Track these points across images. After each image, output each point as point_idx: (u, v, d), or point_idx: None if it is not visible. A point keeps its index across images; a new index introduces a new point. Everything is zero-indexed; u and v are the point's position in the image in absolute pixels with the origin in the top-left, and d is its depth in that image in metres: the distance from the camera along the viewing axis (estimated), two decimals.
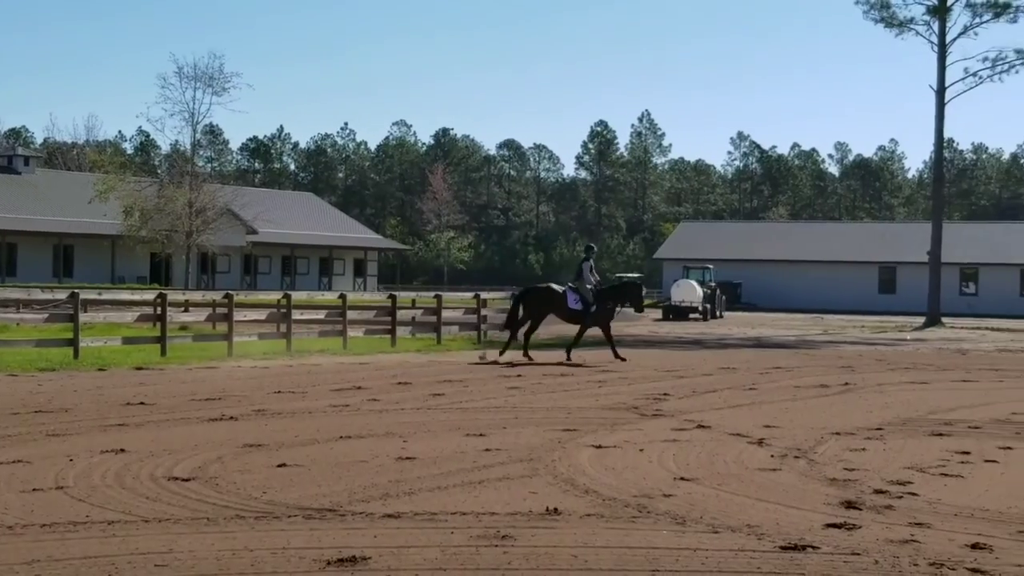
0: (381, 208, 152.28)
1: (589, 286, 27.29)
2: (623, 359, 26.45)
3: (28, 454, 11.94)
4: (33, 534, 8.28)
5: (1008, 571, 7.68)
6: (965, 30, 61.35)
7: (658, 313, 66.53)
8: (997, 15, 60.48)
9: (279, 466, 11.44)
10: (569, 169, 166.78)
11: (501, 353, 26.95)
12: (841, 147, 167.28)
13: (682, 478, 11.15)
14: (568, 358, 26.46)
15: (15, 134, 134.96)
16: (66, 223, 74.49)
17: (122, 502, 9.51)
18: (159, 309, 28.14)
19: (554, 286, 28.45)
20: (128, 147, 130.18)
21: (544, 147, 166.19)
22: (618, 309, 28.46)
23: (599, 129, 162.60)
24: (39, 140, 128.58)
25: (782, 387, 21.98)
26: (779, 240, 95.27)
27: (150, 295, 30.31)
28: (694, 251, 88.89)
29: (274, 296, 34.66)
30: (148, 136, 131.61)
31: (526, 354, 26.76)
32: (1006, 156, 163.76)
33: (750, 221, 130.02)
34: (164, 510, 9.24)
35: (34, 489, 10.00)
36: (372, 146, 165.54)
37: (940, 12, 60.62)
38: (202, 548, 7.96)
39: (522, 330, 27.72)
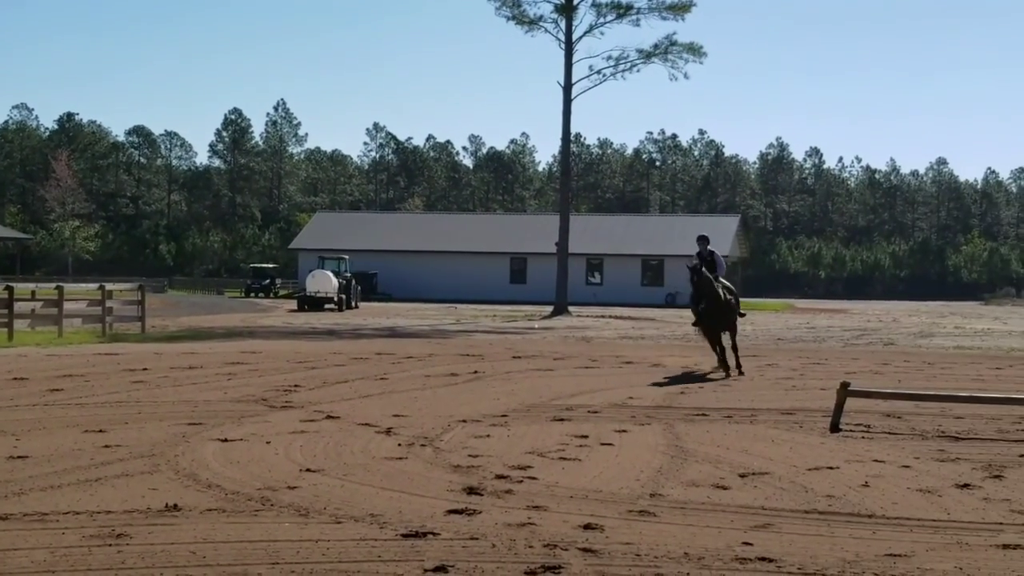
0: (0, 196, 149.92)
1: None
2: None
3: None
4: None
5: (616, 548, 8.11)
6: (591, 29, 65.47)
7: (293, 304, 69.68)
8: (620, 16, 64.79)
9: None
10: (203, 157, 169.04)
11: None
12: (475, 140, 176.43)
13: (308, 469, 11.36)
14: None
15: None
16: None
17: None
18: None
19: None
20: None
21: (176, 134, 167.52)
22: None
23: (233, 117, 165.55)
24: None
25: (413, 376, 22.64)
26: (414, 231, 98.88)
27: None
28: (330, 241, 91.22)
29: None
30: None
31: None
32: (629, 151, 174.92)
33: (386, 212, 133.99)
34: None
35: None
36: None
37: (567, 11, 64.53)
38: None
39: None
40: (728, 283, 24.82)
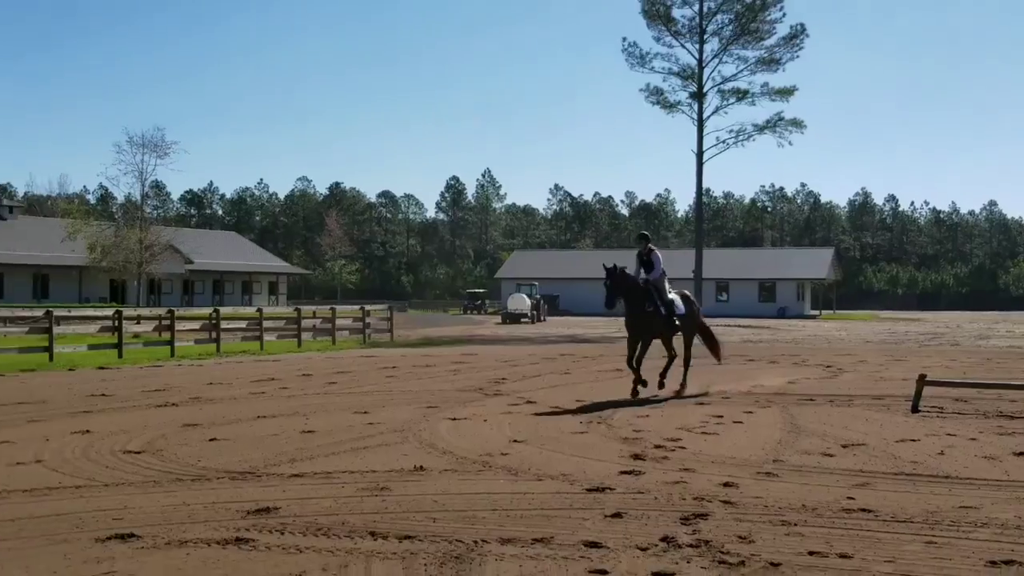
0: (289, 242, 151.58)
1: None
2: None
3: (12, 436, 11.73)
4: (15, 499, 8.18)
5: (749, 501, 7.98)
6: (716, 110, 65.09)
7: (498, 318, 69.52)
8: (739, 100, 64.41)
9: (210, 440, 11.37)
10: (431, 212, 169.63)
11: None
12: (630, 194, 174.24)
13: (515, 440, 11.36)
14: None
15: (0, 189, 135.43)
16: (42, 257, 73.32)
17: (87, 471, 9.40)
18: (116, 322, 27.90)
19: None
20: (91, 198, 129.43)
21: (412, 196, 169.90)
22: None
23: (452, 182, 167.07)
24: (20, 193, 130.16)
25: (589, 371, 22.41)
26: (586, 263, 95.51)
27: (109, 312, 29.80)
28: (524, 272, 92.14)
29: (206, 311, 34.23)
30: (107, 190, 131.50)
31: None
32: (747, 200, 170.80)
33: (564, 250, 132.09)
34: (120, 476, 9.16)
35: (17, 463, 9.88)
36: (281, 195, 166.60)
37: (698, 97, 64.21)
38: (149, 503, 7.90)
39: None
40: (684, 292, 17.86)
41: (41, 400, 16.00)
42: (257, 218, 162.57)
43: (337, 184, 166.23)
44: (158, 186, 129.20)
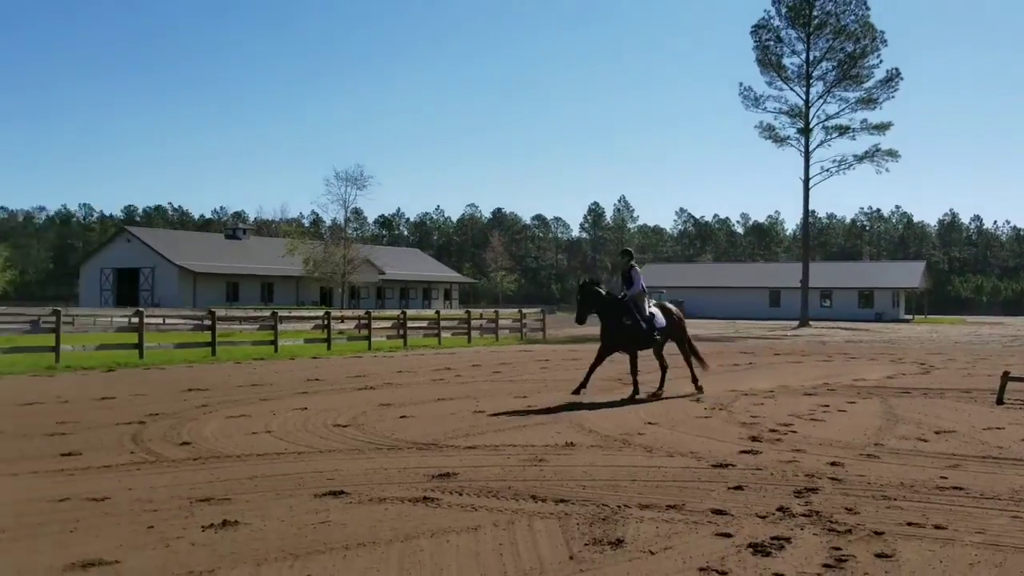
0: (460, 257, 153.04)
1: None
2: None
3: (248, 411, 12.18)
4: (251, 461, 8.49)
5: (853, 478, 7.72)
6: (821, 143, 63.36)
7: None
8: (841, 134, 62.69)
9: (401, 417, 11.59)
10: (576, 231, 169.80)
11: None
12: (744, 215, 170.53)
13: (649, 423, 11.24)
14: None
15: (237, 215, 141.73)
16: (268, 269, 76.69)
17: (305, 440, 9.70)
18: (326, 322, 28.95)
19: None
20: (306, 222, 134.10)
21: (560, 218, 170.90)
22: None
23: (593, 207, 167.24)
24: (252, 218, 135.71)
25: (710, 365, 21.70)
26: (706, 274, 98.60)
27: (320, 313, 30.95)
28: (654, 282, 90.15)
29: (395, 313, 35.00)
30: (317, 215, 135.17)
31: None
32: (847, 220, 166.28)
33: (688, 263, 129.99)
34: (331, 445, 9.41)
35: (252, 432, 10.25)
36: (454, 219, 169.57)
37: (805, 133, 62.61)
38: (355, 467, 8.10)
39: None
40: (664, 304, 15.97)
41: (269, 383, 16.59)
42: (435, 237, 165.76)
43: (499, 209, 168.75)
44: (357, 212, 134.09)
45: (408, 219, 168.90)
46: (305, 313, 35.63)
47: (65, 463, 8.37)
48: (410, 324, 32.39)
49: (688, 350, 15.73)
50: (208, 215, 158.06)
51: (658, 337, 15.11)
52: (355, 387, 15.88)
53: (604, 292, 14.83)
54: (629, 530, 5.97)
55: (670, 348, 15.90)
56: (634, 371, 14.76)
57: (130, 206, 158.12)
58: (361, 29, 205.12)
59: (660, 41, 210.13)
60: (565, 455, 8.84)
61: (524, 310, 40.99)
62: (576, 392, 14.15)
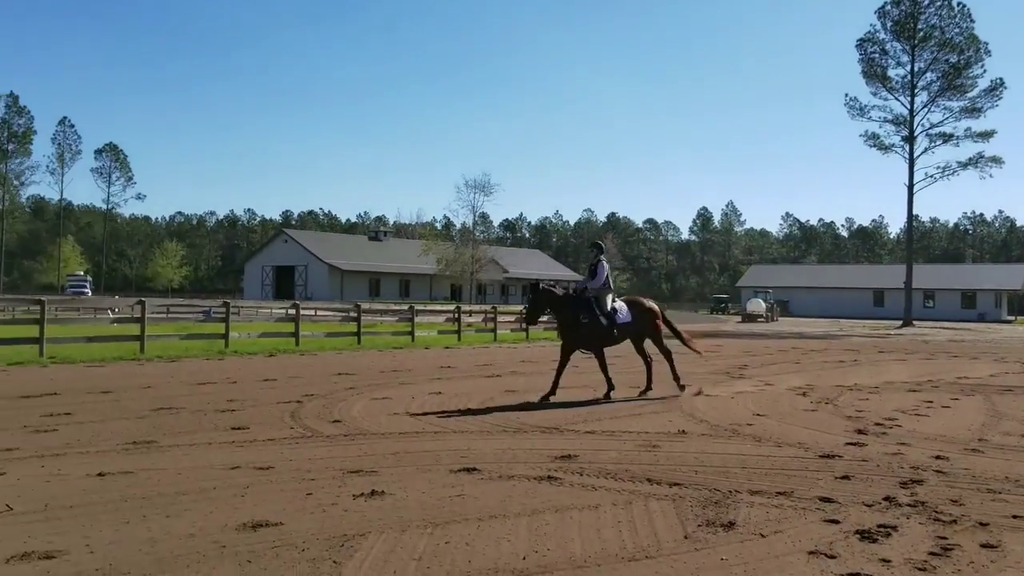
0: (577, 258, 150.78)
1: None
2: None
3: (389, 394, 12.42)
4: (394, 438, 8.66)
5: (958, 471, 7.38)
6: (925, 151, 60.67)
7: (739, 318, 66.74)
8: (945, 142, 59.88)
9: (526, 403, 11.67)
10: (685, 234, 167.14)
11: None
12: (849, 219, 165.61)
13: (758, 414, 10.94)
14: None
15: (378, 219, 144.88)
16: (405, 268, 78.55)
17: (441, 422, 9.83)
18: (456, 315, 29.26)
19: None
20: (438, 225, 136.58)
21: (670, 222, 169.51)
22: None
23: (702, 211, 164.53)
24: (391, 222, 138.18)
25: (816, 362, 21.24)
26: (811, 275, 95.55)
27: (451, 307, 31.64)
28: (760, 282, 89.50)
29: (519, 308, 35.04)
30: (448, 219, 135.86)
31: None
32: (951, 224, 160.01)
33: (793, 264, 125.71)
34: (464, 426, 9.51)
35: (394, 413, 10.44)
36: (572, 222, 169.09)
37: (910, 141, 60.05)
38: (485, 447, 8.17)
39: None
40: (635, 298, 13.81)
41: (407, 369, 16.92)
42: (554, 239, 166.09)
43: (613, 213, 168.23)
44: (484, 216, 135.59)
45: (530, 222, 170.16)
46: (438, 307, 36.31)
47: (235, 436, 8.76)
48: None
49: (661, 348, 13.51)
50: (353, 219, 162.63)
51: (616, 333, 12.84)
52: (483, 374, 16.04)
53: (559, 292, 12.83)
54: (740, 514, 5.85)
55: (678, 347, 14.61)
56: (603, 369, 12.85)
57: (287, 211, 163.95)
58: (491, 42, 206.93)
59: (770, 55, 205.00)
60: (678, 442, 8.73)
61: None
62: (545, 399, 11.96)
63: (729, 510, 5.93)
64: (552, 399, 11.93)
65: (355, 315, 26.00)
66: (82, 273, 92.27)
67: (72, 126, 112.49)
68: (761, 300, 66.66)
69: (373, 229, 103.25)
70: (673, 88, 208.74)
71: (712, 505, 6.06)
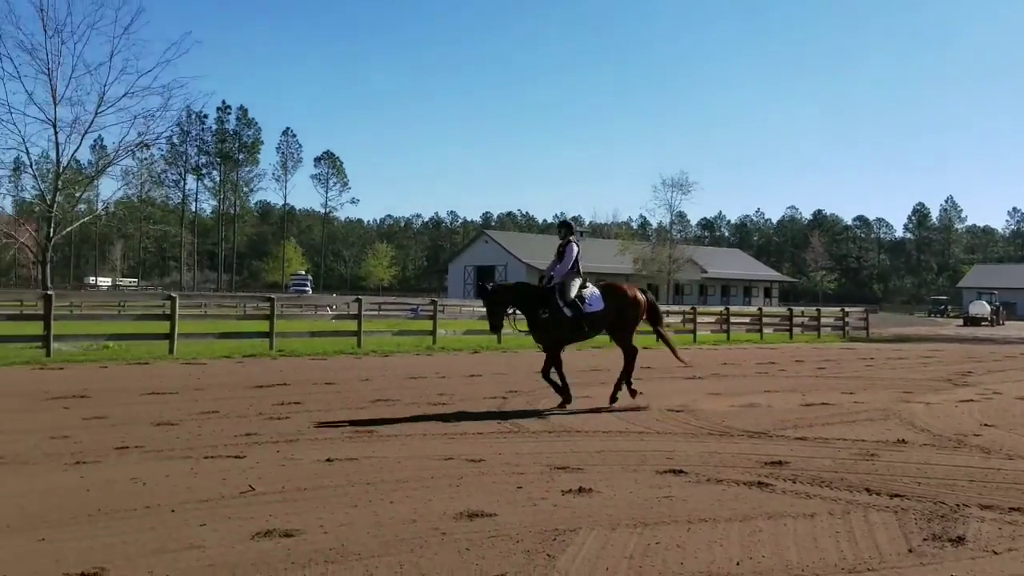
0: (779, 257, 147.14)
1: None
2: None
3: (590, 393, 12.39)
4: (598, 436, 8.70)
5: None
6: None
7: (959, 321, 63.03)
8: None
9: (730, 406, 11.33)
10: (899, 232, 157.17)
11: None
12: None
13: (985, 424, 10.16)
14: None
15: (574, 219, 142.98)
16: (601, 268, 77.85)
17: (644, 422, 9.78)
18: None
19: None
20: (634, 225, 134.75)
21: (883, 219, 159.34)
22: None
23: (917, 207, 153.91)
24: (587, 222, 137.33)
25: None
26: None
27: None
28: (983, 283, 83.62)
29: (718, 309, 34.50)
30: (644, 218, 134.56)
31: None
32: None
33: (1020, 263, 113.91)
34: (667, 427, 9.44)
35: (596, 411, 10.53)
36: (774, 221, 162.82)
37: None
38: (691, 449, 8.04)
39: None
40: (613, 284, 11.78)
41: (606, 368, 16.95)
42: (755, 238, 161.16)
43: (819, 211, 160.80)
44: (681, 215, 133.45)
45: (729, 221, 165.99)
46: None
47: (447, 428, 9.13)
48: (733, 320, 31.81)
49: (626, 343, 11.46)
50: (550, 219, 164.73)
51: (585, 326, 11.07)
52: (684, 376, 15.83)
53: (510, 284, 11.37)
54: (970, 529, 5.47)
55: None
56: (557, 369, 11.05)
57: (487, 212, 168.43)
58: (685, 39, 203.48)
59: (989, 37, 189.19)
60: (897, 451, 8.24)
61: (847, 309, 38.77)
62: (562, 406, 10.79)
63: (957, 524, 5.56)
64: (568, 406, 10.68)
65: None
66: (303, 272, 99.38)
67: (294, 136, 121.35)
68: (985, 302, 61.80)
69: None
70: (881, 73, 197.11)
71: (938, 519, 5.70)
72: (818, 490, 6.50)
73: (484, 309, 11.16)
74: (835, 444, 8.60)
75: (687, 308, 32.62)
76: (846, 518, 5.70)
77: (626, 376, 11.29)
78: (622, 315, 11.35)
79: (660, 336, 12.17)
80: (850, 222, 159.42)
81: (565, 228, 11.41)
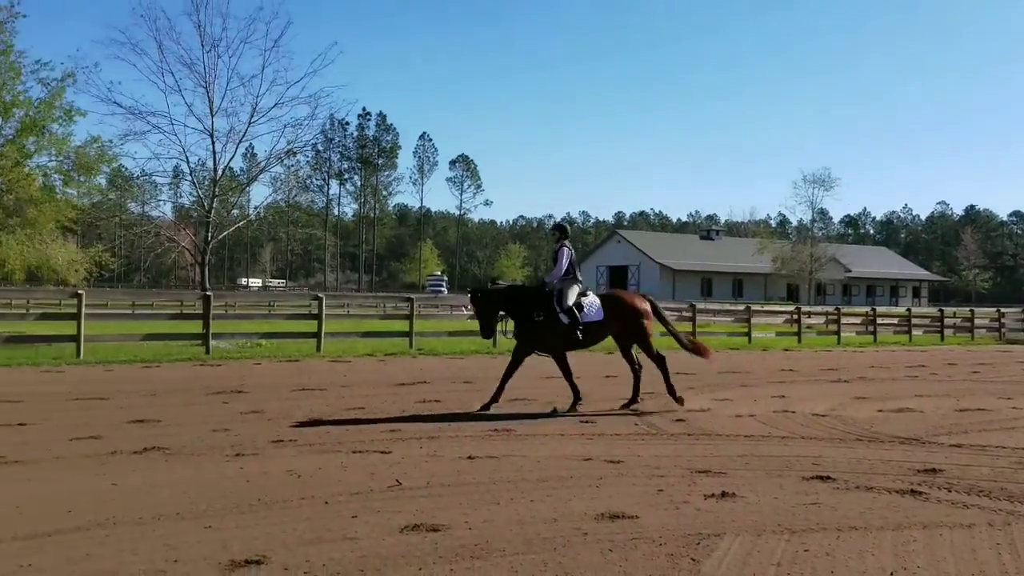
0: (928, 255, 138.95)
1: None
2: None
3: (730, 395, 12.18)
4: (739, 440, 8.50)
5: None
6: None
7: None
8: None
9: (879, 411, 10.85)
10: None
11: None
12: None
13: None
14: None
15: (710, 218, 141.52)
16: (738, 267, 76.99)
17: (787, 426, 9.51)
18: (796, 316, 28.42)
19: None
20: (772, 223, 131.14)
21: None
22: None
23: None
24: (722, 220, 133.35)
25: None
26: None
27: (790, 308, 30.83)
28: None
29: (863, 310, 33.30)
30: (784, 216, 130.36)
31: None
32: None
33: None
34: (812, 432, 9.13)
35: (737, 415, 10.28)
36: (923, 217, 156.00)
37: None
38: (838, 455, 7.72)
39: None
40: (614, 293, 11.51)
41: (746, 371, 16.64)
42: (902, 235, 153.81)
43: (972, 206, 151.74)
44: (823, 212, 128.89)
45: (874, 218, 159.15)
46: (775, 308, 35.33)
47: (584, 428, 9.16)
48: (880, 321, 30.53)
49: (651, 354, 11.08)
50: (684, 218, 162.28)
51: (580, 335, 10.62)
52: (828, 379, 15.32)
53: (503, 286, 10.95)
54: None
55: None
56: (565, 375, 10.80)
57: (619, 212, 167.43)
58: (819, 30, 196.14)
59: None
60: None
61: (1004, 310, 36.46)
62: (486, 408, 10.36)
63: None
64: (493, 408, 10.23)
65: (689, 314, 25.96)
66: (439, 273, 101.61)
67: (430, 140, 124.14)
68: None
69: (704, 228, 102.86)
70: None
71: None
72: (976, 499, 6.18)
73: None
74: (993, 452, 8.15)
75: (830, 309, 31.56)
76: (1007, 529, 5.40)
77: (666, 383, 10.89)
78: (630, 326, 10.97)
79: (675, 337, 11.57)
80: (1005, 218, 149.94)
81: (559, 231, 11.09)
